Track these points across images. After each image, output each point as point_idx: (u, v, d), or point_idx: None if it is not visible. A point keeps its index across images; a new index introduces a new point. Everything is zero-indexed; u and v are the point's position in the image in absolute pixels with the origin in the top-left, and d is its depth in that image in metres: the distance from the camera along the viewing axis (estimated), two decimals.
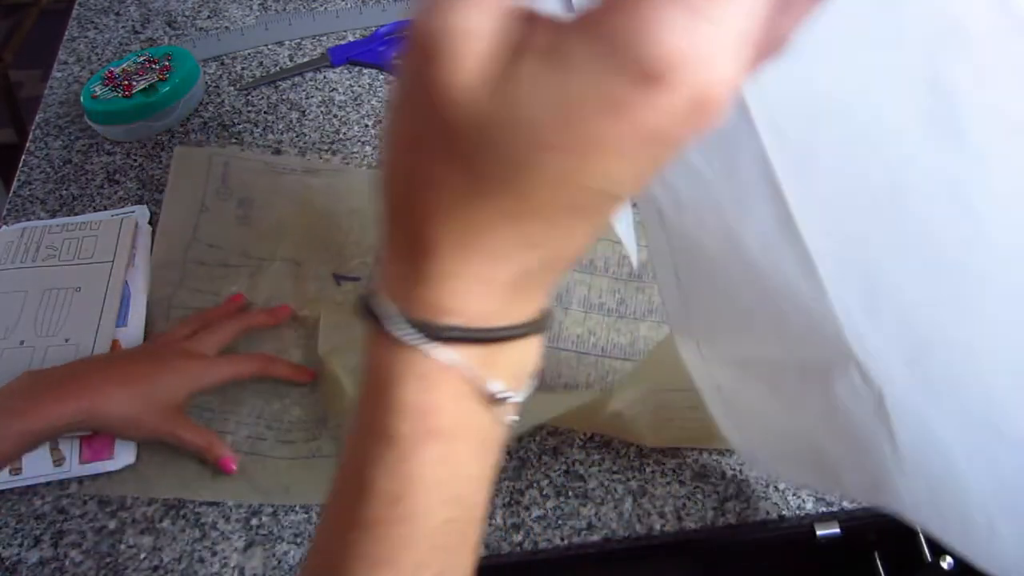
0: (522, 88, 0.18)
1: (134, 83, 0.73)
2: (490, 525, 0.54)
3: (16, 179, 0.72)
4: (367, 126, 0.77)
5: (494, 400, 0.22)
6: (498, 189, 0.19)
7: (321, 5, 0.89)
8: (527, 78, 0.18)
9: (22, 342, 0.58)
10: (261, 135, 0.75)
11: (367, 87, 0.80)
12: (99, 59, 0.82)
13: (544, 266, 0.21)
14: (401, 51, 0.20)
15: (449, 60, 0.18)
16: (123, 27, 0.86)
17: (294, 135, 0.75)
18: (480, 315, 0.21)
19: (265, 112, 0.77)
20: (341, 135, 0.75)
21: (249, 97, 0.78)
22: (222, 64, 0.82)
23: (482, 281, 0.21)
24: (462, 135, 0.19)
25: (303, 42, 0.84)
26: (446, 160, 0.19)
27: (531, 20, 0.18)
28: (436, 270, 0.21)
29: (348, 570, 0.22)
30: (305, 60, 0.82)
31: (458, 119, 0.18)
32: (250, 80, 0.79)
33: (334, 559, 0.22)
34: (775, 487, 0.55)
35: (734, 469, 0.56)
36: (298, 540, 0.53)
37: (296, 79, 0.81)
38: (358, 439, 0.23)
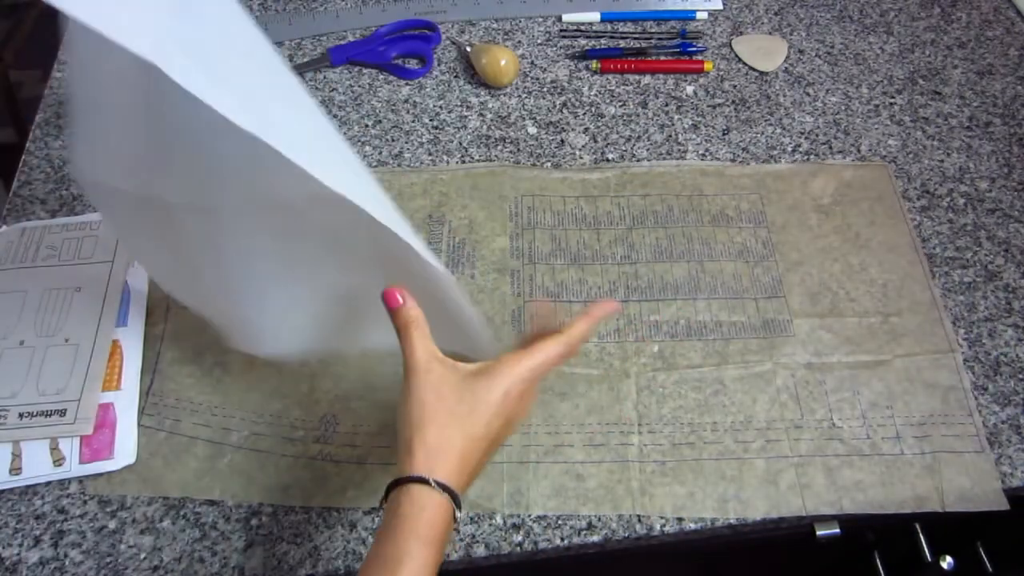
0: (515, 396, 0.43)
1: None
2: (490, 525, 0.54)
3: (16, 179, 0.71)
4: (367, 126, 0.77)
5: (457, 521, 0.41)
6: (492, 443, 0.43)
7: (321, 5, 0.89)
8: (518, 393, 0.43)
9: (22, 342, 0.58)
10: None
11: (367, 87, 0.80)
12: None
13: (481, 464, 0.43)
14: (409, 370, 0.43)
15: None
16: None
17: None
18: (457, 486, 0.41)
19: None
20: (341, 135, 0.75)
21: None
22: None
23: (461, 474, 0.41)
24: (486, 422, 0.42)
25: (303, 42, 0.84)
26: (482, 436, 0.42)
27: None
28: (445, 469, 0.40)
29: None
30: (305, 60, 0.82)
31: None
32: None
33: None
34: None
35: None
36: (298, 540, 0.53)
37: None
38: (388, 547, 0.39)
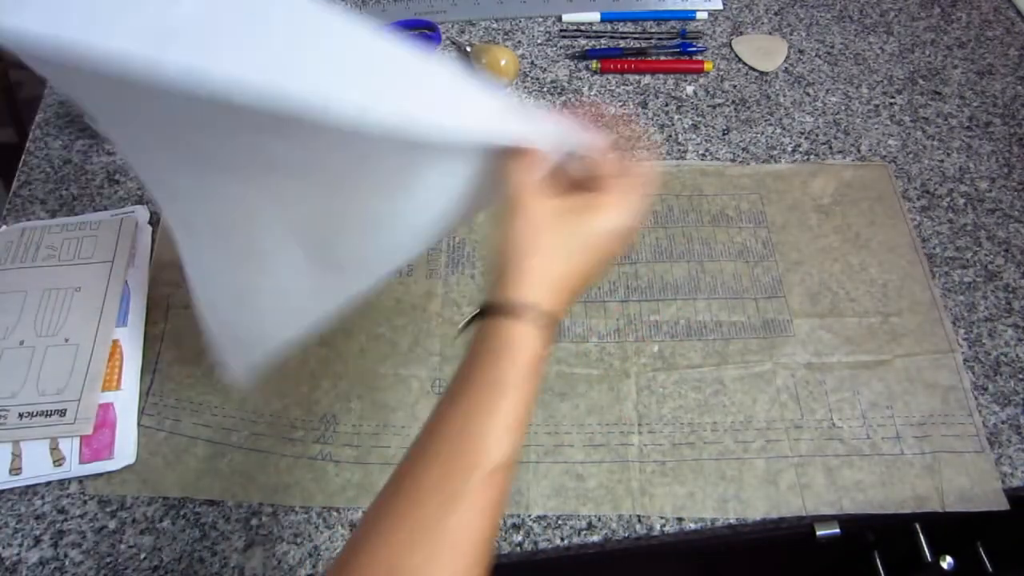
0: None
1: None
2: None
3: (16, 179, 0.71)
4: None
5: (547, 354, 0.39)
6: (590, 279, 0.41)
7: None
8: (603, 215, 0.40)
9: (22, 342, 0.58)
10: None
11: None
12: None
13: (576, 299, 0.43)
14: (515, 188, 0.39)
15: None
16: None
17: None
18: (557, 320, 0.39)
19: None
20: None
21: None
22: None
23: (560, 309, 0.39)
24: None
25: None
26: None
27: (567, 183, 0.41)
28: (549, 302, 0.38)
29: (486, 426, 0.35)
30: None
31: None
32: None
33: (472, 419, 0.36)
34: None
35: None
36: (298, 540, 0.53)
37: None
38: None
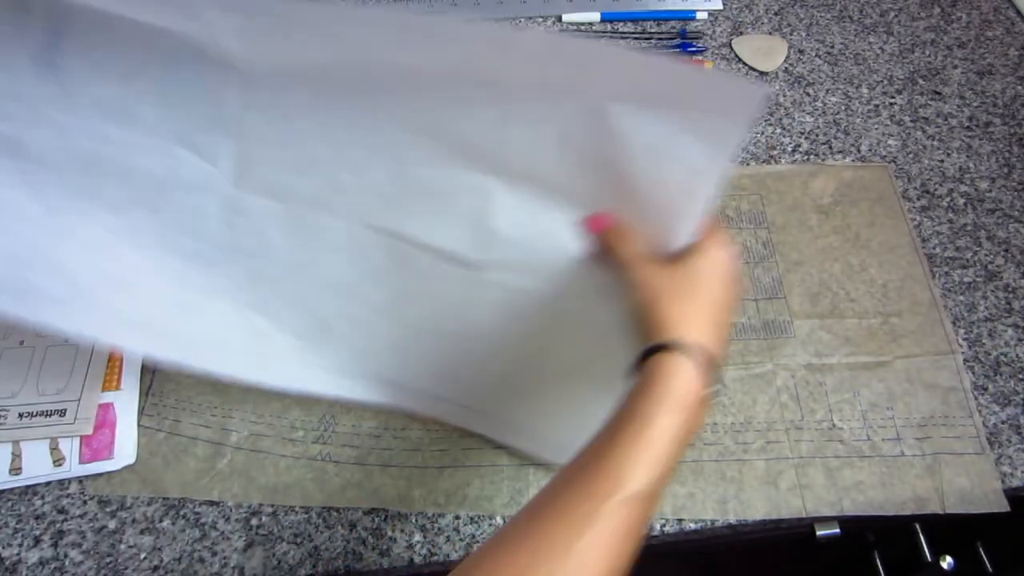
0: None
1: None
2: (490, 526, 0.54)
3: None
4: None
5: (717, 387, 0.39)
6: (726, 305, 0.41)
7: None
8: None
9: (22, 342, 0.58)
10: None
11: None
12: None
13: (727, 327, 0.42)
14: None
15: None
16: None
17: None
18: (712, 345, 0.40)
19: None
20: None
21: None
22: None
23: (711, 335, 0.40)
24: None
25: None
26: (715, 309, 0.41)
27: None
28: (695, 330, 0.39)
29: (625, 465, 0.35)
30: None
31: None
32: None
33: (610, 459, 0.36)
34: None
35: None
36: (298, 540, 0.53)
37: None
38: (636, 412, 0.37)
